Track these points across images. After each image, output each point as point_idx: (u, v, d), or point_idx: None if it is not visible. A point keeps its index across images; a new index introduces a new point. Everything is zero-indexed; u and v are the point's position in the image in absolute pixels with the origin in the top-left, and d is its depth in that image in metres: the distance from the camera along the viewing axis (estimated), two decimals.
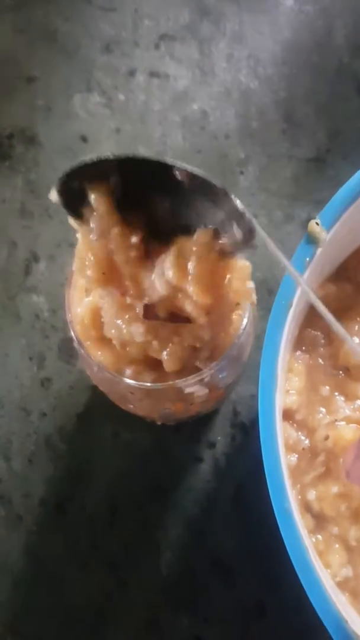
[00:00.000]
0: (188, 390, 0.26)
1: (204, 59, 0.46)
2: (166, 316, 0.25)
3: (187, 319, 0.25)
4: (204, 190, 0.22)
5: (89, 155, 0.22)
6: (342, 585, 0.27)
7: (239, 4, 0.48)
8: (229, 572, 0.34)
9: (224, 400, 0.37)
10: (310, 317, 0.32)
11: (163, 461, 0.36)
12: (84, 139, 0.44)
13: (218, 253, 0.23)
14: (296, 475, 0.29)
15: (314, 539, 0.28)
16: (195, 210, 0.23)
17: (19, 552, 0.35)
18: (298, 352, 0.31)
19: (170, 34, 0.47)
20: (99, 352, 0.27)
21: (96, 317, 0.26)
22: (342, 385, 0.31)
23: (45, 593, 0.35)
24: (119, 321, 0.25)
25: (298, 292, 0.26)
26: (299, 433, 0.30)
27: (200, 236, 0.23)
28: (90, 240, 0.24)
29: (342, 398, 0.31)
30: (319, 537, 0.28)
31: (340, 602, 0.24)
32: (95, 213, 0.23)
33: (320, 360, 0.31)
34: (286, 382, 0.30)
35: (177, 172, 0.22)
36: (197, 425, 0.37)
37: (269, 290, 0.38)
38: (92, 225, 0.24)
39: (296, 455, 0.29)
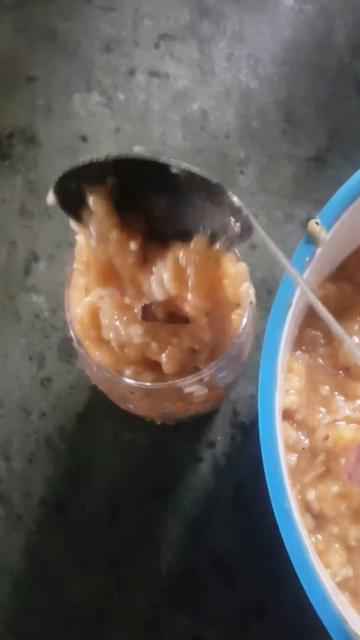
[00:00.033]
0: (187, 389, 0.26)
1: (204, 58, 0.46)
2: (165, 315, 0.25)
3: (185, 319, 0.25)
4: (200, 187, 0.22)
5: (88, 155, 0.22)
6: (342, 585, 0.27)
7: (239, 4, 0.47)
8: (229, 572, 0.34)
9: (223, 400, 0.37)
10: (310, 316, 0.32)
11: (163, 461, 0.36)
12: (83, 138, 0.44)
13: (215, 258, 0.23)
14: (296, 475, 0.29)
15: (313, 539, 0.28)
16: (193, 208, 0.23)
17: (19, 552, 0.35)
18: (298, 352, 0.31)
19: (170, 34, 0.47)
20: (98, 352, 0.27)
21: (95, 317, 0.26)
22: (342, 385, 0.31)
23: (45, 593, 0.35)
24: (117, 323, 0.25)
25: (297, 292, 0.26)
26: (299, 433, 0.30)
27: (196, 244, 0.23)
28: (90, 242, 0.24)
29: (342, 398, 0.31)
30: (319, 537, 0.28)
31: (340, 602, 0.24)
32: (94, 216, 0.23)
33: (320, 360, 0.31)
34: (286, 382, 0.30)
35: (173, 170, 0.22)
36: (197, 425, 0.37)
37: (268, 290, 0.38)
38: (91, 229, 0.24)
39: (296, 455, 0.29)
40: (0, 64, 0.46)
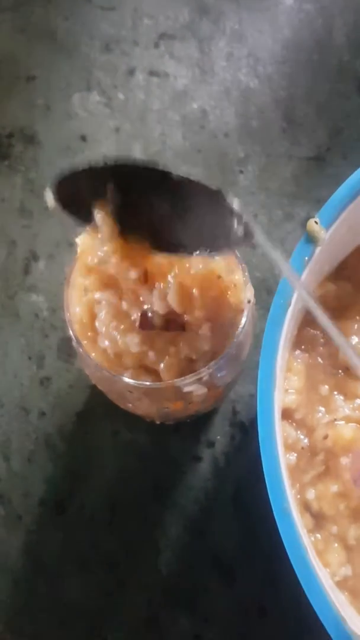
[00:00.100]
0: (187, 389, 0.26)
1: (204, 57, 0.46)
2: (163, 321, 0.25)
3: (182, 325, 0.25)
4: (201, 193, 0.22)
5: (87, 154, 0.22)
6: (341, 584, 0.27)
7: (239, 3, 0.47)
8: (228, 571, 0.34)
9: (223, 400, 0.37)
10: (309, 316, 0.31)
11: (162, 460, 0.36)
12: (83, 138, 0.44)
13: (218, 275, 0.24)
14: (295, 475, 0.29)
15: (313, 538, 0.28)
16: (194, 215, 0.23)
17: (19, 551, 0.35)
18: (297, 351, 0.31)
19: (169, 33, 0.47)
20: (96, 353, 0.27)
21: (94, 317, 0.26)
22: (341, 384, 0.31)
23: (45, 593, 0.35)
24: (114, 332, 0.25)
25: (296, 291, 0.26)
26: (298, 432, 0.30)
27: (197, 263, 0.24)
28: (92, 241, 0.24)
29: (342, 397, 0.31)
30: (318, 536, 0.28)
31: (340, 601, 0.24)
32: (99, 235, 0.24)
33: (319, 359, 0.31)
34: (285, 381, 0.30)
35: (173, 177, 0.22)
36: (197, 424, 0.37)
37: (267, 290, 0.38)
38: (98, 252, 0.25)
39: (295, 455, 0.29)
40: (0, 63, 0.46)
